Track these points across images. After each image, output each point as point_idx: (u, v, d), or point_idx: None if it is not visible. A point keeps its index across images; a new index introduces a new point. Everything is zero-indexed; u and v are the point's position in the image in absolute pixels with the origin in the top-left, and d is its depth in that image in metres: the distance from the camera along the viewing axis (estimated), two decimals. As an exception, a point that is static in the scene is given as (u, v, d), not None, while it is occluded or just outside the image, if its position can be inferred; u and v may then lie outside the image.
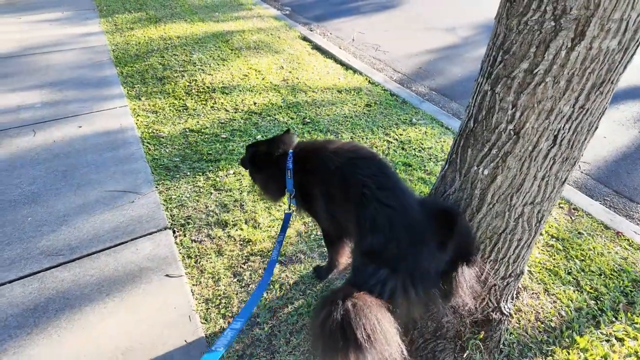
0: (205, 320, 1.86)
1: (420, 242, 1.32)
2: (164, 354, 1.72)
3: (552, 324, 1.86)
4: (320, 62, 4.86)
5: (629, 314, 1.92)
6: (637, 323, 1.88)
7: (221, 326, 1.84)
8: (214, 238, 2.32)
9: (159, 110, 3.61)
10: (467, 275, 1.38)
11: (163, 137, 3.23)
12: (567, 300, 1.97)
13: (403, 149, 3.21)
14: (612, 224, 2.49)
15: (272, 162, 1.73)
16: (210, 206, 2.56)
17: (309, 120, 3.59)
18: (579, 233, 2.42)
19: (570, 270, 2.14)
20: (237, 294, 1.99)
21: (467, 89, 4.53)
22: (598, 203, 2.76)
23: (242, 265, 2.14)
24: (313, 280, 2.05)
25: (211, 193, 2.67)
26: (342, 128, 3.51)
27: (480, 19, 6.41)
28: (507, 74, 1.28)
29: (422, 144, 3.28)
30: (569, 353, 1.75)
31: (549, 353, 1.75)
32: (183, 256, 2.19)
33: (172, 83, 4.09)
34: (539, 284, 2.05)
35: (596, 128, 1.34)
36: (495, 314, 1.72)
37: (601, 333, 1.83)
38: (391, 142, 3.29)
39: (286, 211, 1.76)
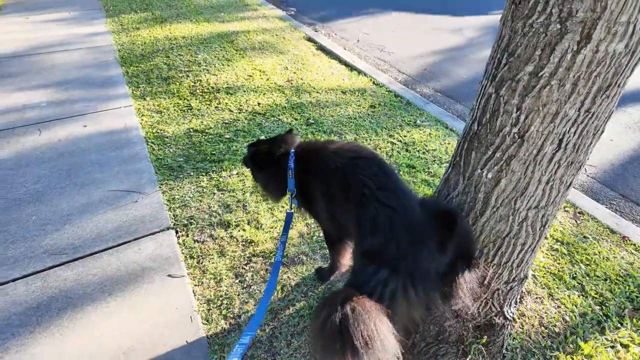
0: (207, 321, 1.86)
1: (420, 242, 1.31)
2: (165, 354, 1.72)
3: (556, 329, 1.84)
4: (325, 62, 4.85)
5: (634, 320, 1.89)
6: (642, 329, 1.86)
7: (222, 327, 1.84)
8: (216, 238, 2.32)
9: (164, 110, 3.62)
10: (467, 277, 1.37)
11: (167, 137, 3.24)
12: (572, 305, 1.95)
13: (407, 150, 3.20)
14: (618, 228, 2.46)
15: (273, 162, 1.73)
16: (213, 206, 2.56)
17: (312, 121, 3.58)
18: (585, 237, 2.40)
19: (575, 275, 2.11)
20: (238, 295, 1.99)
21: (472, 90, 4.50)
22: (604, 207, 2.72)
23: (244, 267, 2.14)
24: (315, 282, 2.05)
25: (214, 193, 2.67)
26: (346, 129, 3.50)
27: (486, 20, 6.38)
28: (511, 77, 1.26)
29: (426, 146, 3.26)
30: (572, 359, 1.73)
31: (553, 359, 1.73)
32: (185, 256, 2.19)
33: (177, 83, 4.10)
34: (543, 288, 2.03)
35: (602, 132, 1.32)
36: (499, 318, 1.70)
37: (606, 339, 1.81)
38: (395, 144, 3.28)
39: (288, 211, 1.75)
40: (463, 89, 4.56)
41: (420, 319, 1.47)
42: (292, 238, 2.31)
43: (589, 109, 1.22)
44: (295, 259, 2.18)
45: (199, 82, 4.14)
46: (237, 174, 2.85)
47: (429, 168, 2.96)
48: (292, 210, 1.75)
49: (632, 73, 1.21)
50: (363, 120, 3.64)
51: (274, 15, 6.37)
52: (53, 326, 1.82)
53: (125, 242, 2.25)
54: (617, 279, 2.11)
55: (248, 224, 2.42)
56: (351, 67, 4.76)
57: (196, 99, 3.84)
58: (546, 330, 1.83)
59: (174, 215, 2.48)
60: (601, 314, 1.92)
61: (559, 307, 1.94)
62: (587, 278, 2.11)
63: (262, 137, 3.31)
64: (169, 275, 2.07)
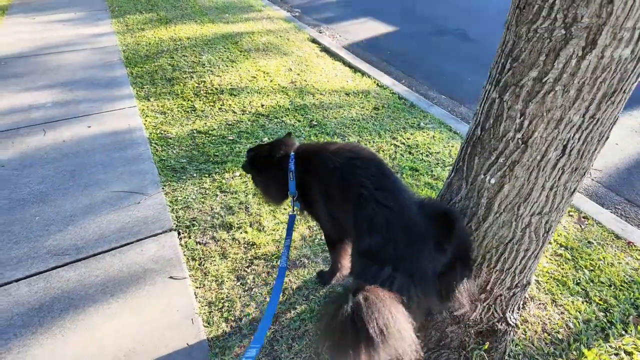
0: (208, 323, 1.86)
1: (419, 243, 1.31)
2: (166, 356, 1.72)
3: (560, 336, 1.82)
4: (329, 64, 4.85)
5: (639, 327, 1.87)
6: (647, 337, 1.84)
7: (223, 330, 1.84)
8: (218, 240, 2.32)
9: (167, 111, 3.63)
10: (464, 279, 1.37)
11: (171, 138, 3.25)
12: (576, 311, 1.93)
13: (410, 153, 3.19)
14: (624, 234, 2.43)
15: (273, 165, 1.73)
16: (216, 208, 2.56)
17: (316, 123, 3.58)
18: (589, 242, 2.38)
19: (579, 281, 2.09)
20: (240, 297, 1.98)
21: (476, 93, 4.47)
22: (609, 211, 2.70)
23: (246, 269, 2.14)
24: (316, 286, 2.04)
25: (217, 195, 2.67)
26: (349, 131, 3.49)
27: (491, 22, 6.34)
28: (515, 82, 1.25)
29: (430, 149, 3.25)
30: (576, 366, 1.71)
31: (556, 366, 1.72)
32: (187, 258, 2.19)
33: (181, 84, 4.11)
34: (547, 294, 2.01)
35: (607, 138, 1.31)
36: (501, 324, 1.69)
37: (610, 346, 1.79)
38: (398, 146, 3.27)
39: (290, 213, 1.75)
40: (468, 91, 4.54)
41: (419, 321, 1.46)
42: (294, 241, 2.30)
43: (593, 115, 1.21)
44: (297, 262, 2.18)
45: (202, 83, 4.15)
46: (239, 175, 2.85)
47: (432, 171, 2.95)
48: (295, 213, 1.74)
49: (639, 78, 1.20)
50: (366, 123, 3.63)
51: (278, 16, 6.37)
52: (55, 327, 1.82)
53: (128, 244, 2.26)
54: (621, 285, 2.09)
55: (250, 226, 2.42)
56: (355, 69, 4.75)
57: (200, 100, 3.85)
58: (549, 337, 1.82)
59: (176, 217, 2.48)
60: (605, 320, 1.90)
61: (562, 313, 1.92)
62: (591, 284, 2.09)
63: (266, 140, 3.31)
64: (171, 277, 2.07)
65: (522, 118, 1.27)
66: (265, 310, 1.37)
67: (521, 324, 1.85)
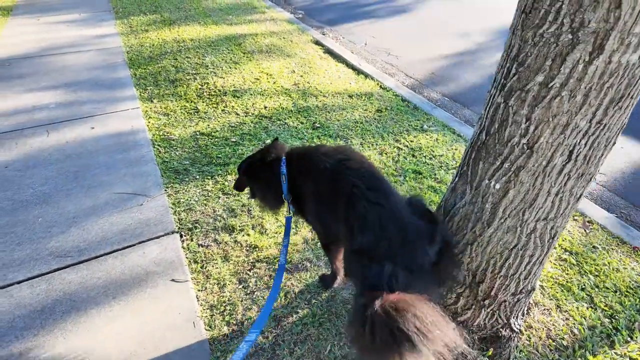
0: (210, 327, 1.85)
1: (413, 238, 1.33)
2: (167, 358, 1.71)
3: (564, 342, 1.80)
4: (332, 66, 4.84)
5: (645, 334, 1.85)
6: (653, 344, 1.82)
7: (225, 333, 1.83)
8: (220, 243, 2.31)
9: (171, 113, 3.63)
10: (449, 273, 1.44)
11: (174, 140, 3.25)
12: (580, 317, 1.91)
13: (413, 155, 3.17)
14: (629, 239, 2.41)
15: (266, 171, 1.74)
16: (218, 210, 2.55)
17: (319, 125, 3.57)
18: (594, 247, 2.35)
19: (583, 286, 2.07)
20: (241, 300, 1.98)
21: (480, 95, 4.47)
22: (614, 216, 2.68)
23: (248, 272, 2.13)
24: (319, 289, 2.03)
25: (219, 197, 2.67)
26: (352, 133, 3.48)
27: (494, 25, 6.32)
28: (521, 87, 1.24)
29: (433, 152, 3.23)
30: (581, 373, 1.69)
31: (560, 373, 1.70)
32: (189, 261, 2.19)
33: (184, 86, 4.12)
34: (551, 299, 1.99)
35: (614, 144, 1.29)
36: (505, 330, 1.67)
37: (615, 353, 1.77)
38: (401, 149, 3.26)
39: (286, 215, 1.75)
40: (471, 94, 4.52)
41: None
42: (295, 244, 2.30)
43: (600, 120, 1.20)
44: (299, 265, 2.17)
45: (206, 85, 4.15)
46: (242, 178, 2.85)
47: (435, 174, 2.94)
48: (291, 214, 1.74)
49: (646, 84, 1.19)
50: (369, 125, 3.62)
51: (282, 18, 6.38)
52: (57, 329, 1.82)
53: (130, 246, 2.26)
54: (627, 291, 2.07)
55: (252, 228, 2.41)
56: (358, 71, 4.74)
57: (203, 102, 3.85)
58: (554, 343, 1.80)
59: (178, 219, 2.48)
60: (611, 327, 1.88)
61: (567, 319, 1.90)
62: (597, 289, 2.07)
63: (269, 142, 3.30)
64: (173, 280, 2.06)
65: (527, 123, 1.26)
66: (265, 304, 1.39)
67: (525, 330, 1.83)
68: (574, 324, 1.88)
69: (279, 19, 6.33)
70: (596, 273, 2.17)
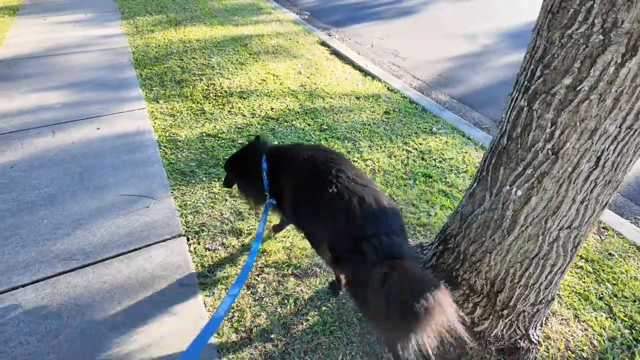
0: (218, 333, 1.81)
1: (395, 218, 1.41)
2: (174, 368, 1.67)
3: (584, 354, 1.75)
4: (339, 67, 4.80)
5: (666, 346, 1.79)
6: (675, 356, 1.75)
7: (233, 341, 1.78)
8: (228, 247, 2.27)
9: (177, 114, 3.60)
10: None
11: (180, 141, 3.21)
12: (600, 328, 1.85)
13: (423, 159, 3.12)
14: (646, 246, 2.35)
15: (249, 167, 1.83)
16: (225, 213, 2.51)
17: (326, 127, 3.53)
18: (610, 254, 2.29)
19: (601, 295, 2.02)
20: (250, 307, 1.93)
21: (489, 98, 4.41)
22: (629, 222, 2.61)
23: (256, 277, 2.08)
24: (329, 296, 1.98)
25: (226, 200, 2.62)
26: (360, 135, 3.43)
27: (502, 27, 6.27)
28: (546, 90, 1.19)
29: (443, 155, 3.18)
30: (601, 386, 1.63)
31: (580, 385, 1.64)
32: (197, 265, 2.15)
33: (191, 86, 4.08)
34: (569, 309, 1.93)
35: (643, 149, 1.24)
36: (523, 341, 1.62)
37: (636, 366, 1.71)
38: (410, 152, 3.21)
39: (268, 200, 1.76)
40: (480, 96, 4.47)
41: None
42: (304, 249, 2.24)
43: (631, 125, 1.14)
44: (309, 270, 2.12)
45: (212, 86, 4.12)
46: (249, 180, 2.80)
47: (446, 178, 2.88)
48: (270, 199, 1.77)
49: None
50: (377, 127, 3.57)
51: (288, 19, 6.34)
52: (62, 335, 1.78)
53: (136, 249, 2.22)
54: (646, 301, 2.01)
55: (260, 232, 2.37)
56: (365, 73, 4.70)
57: (209, 103, 3.81)
58: (573, 355, 1.74)
59: (185, 222, 2.44)
60: (631, 338, 1.82)
61: (586, 329, 1.84)
62: (615, 299, 2.01)
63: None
64: (180, 285, 2.02)
65: (553, 128, 1.21)
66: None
67: (543, 341, 1.77)
68: (593, 334, 1.82)
69: (284, 20, 6.30)
70: (614, 281, 2.11)
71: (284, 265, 2.14)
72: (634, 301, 1.99)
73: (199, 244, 2.29)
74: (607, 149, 1.19)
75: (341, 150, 3.20)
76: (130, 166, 2.90)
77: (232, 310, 1.92)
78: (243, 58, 4.81)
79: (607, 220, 2.56)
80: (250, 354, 1.73)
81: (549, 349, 1.75)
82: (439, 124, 3.67)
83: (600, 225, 2.51)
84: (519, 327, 1.59)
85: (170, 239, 2.30)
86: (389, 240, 1.31)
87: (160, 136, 3.26)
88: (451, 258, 1.62)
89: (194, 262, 2.17)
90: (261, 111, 3.74)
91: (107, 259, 2.16)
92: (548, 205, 1.31)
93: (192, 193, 2.67)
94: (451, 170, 2.99)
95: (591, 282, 2.09)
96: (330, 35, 5.96)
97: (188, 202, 2.60)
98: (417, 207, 2.56)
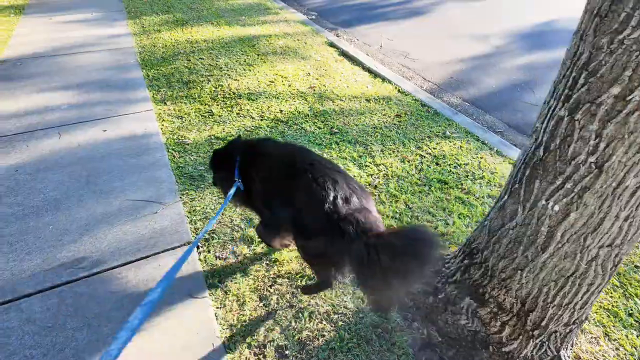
0: (230, 349, 1.73)
1: (367, 198, 1.54)
2: (185, 385, 1.60)
3: (615, 375, 1.66)
4: (348, 69, 4.72)
5: (701, 367, 1.70)
6: None
7: (246, 357, 1.71)
8: (239, 256, 2.19)
9: (185, 116, 3.53)
10: None
11: (188, 144, 3.14)
12: (631, 347, 1.76)
13: (437, 164, 3.04)
14: (673, 258, 2.25)
15: (226, 162, 1.90)
16: (235, 220, 2.44)
17: (337, 130, 3.45)
18: (636, 267, 2.20)
19: (631, 311, 1.92)
20: (263, 320, 1.85)
21: (502, 100, 4.32)
22: (653, 232, 2.51)
23: (269, 288, 2.00)
24: (346, 310, 1.90)
25: (236, 206, 2.55)
26: (372, 139, 3.35)
27: (512, 28, 6.17)
28: (591, 99, 1.10)
29: (458, 160, 3.09)
30: (635, 411, 1.55)
31: (612, 409, 1.55)
32: (207, 275, 2.07)
33: (198, 88, 4.01)
34: (598, 326, 1.84)
35: (695, 164, 1.15)
36: (553, 362, 1.53)
37: (671, 388, 1.62)
38: (424, 157, 3.12)
39: (237, 183, 1.80)
40: (493, 99, 4.38)
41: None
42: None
43: (684, 138, 1.06)
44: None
45: (220, 87, 4.05)
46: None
47: (462, 184, 2.80)
48: (239, 182, 1.80)
49: None
50: (389, 131, 3.49)
51: (296, 19, 6.27)
52: (68, 349, 1.71)
53: (145, 257, 2.15)
54: (677, 317, 1.91)
55: (272, 240, 2.29)
56: (375, 74, 4.61)
57: (217, 105, 3.74)
58: (604, 376, 1.66)
59: (194, 229, 2.36)
60: (664, 358, 1.73)
61: (617, 349, 1.75)
62: (644, 315, 1.92)
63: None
64: (190, 296, 1.95)
65: (597, 140, 1.12)
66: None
67: (572, 361, 1.69)
68: (625, 354, 1.73)
69: (292, 20, 6.22)
70: (642, 296, 2.01)
71: (297, 276, 2.06)
72: (665, 318, 1.90)
73: (208, 252, 2.22)
74: (657, 163, 1.10)
75: (353, 155, 3.12)
76: (137, 170, 2.83)
77: (245, 324, 1.84)
78: (251, 59, 4.74)
79: (631, 230, 2.46)
80: (264, 370, 1.66)
81: (579, 370, 1.67)
82: (452, 127, 3.58)
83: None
84: (549, 348, 1.50)
85: (179, 247, 2.23)
86: (365, 217, 1.41)
87: (168, 139, 3.19)
88: (478, 274, 1.54)
89: (204, 271, 2.09)
90: (270, 113, 3.67)
91: (114, 267, 2.09)
92: (588, 222, 1.23)
93: (201, 198, 2.60)
94: (467, 176, 2.90)
95: (619, 297, 2.00)
96: (338, 36, 5.88)
97: (197, 208, 2.53)
98: (434, 215, 2.48)
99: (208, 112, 3.61)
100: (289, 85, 4.19)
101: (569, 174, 1.20)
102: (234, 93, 3.96)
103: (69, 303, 1.90)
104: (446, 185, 2.77)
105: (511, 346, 1.50)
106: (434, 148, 3.24)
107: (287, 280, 2.05)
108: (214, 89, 4.02)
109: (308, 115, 3.69)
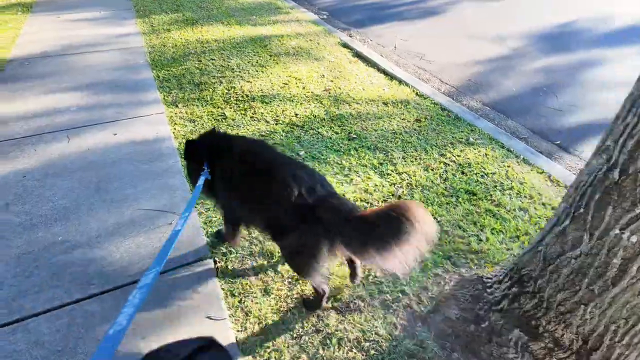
0: (253, 378, 1.60)
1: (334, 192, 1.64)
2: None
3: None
4: (363, 71, 4.58)
5: None
6: None
7: (271, 387, 1.58)
8: (259, 272, 2.06)
9: (197, 119, 3.40)
10: None
11: (201, 150, 3.01)
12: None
13: (463, 173, 2.89)
14: None
15: (196, 154, 1.91)
16: (254, 232, 2.31)
17: (355, 136, 3.31)
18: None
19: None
20: (287, 346, 1.72)
21: (523, 105, 4.16)
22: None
23: (292, 309, 1.87)
24: (378, 337, 1.76)
25: (254, 217, 2.41)
26: (392, 145, 3.21)
27: (529, 29, 5.98)
28: (685, 118, 0.96)
29: (484, 168, 2.94)
30: None
31: None
32: (226, 294, 1.94)
33: (210, 90, 3.89)
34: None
35: None
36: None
37: None
38: (449, 165, 2.97)
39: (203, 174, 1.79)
40: (514, 103, 4.21)
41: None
42: (344, 277, 2.02)
43: None
44: (351, 304, 1.90)
45: (232, 89, 3.92)
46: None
47: (491, 195, 2.65)
48: (207, 172, 1.81)
49: None
50: (410, 136, 3.34)
51: (307, 19, 6.13)
52: (79, 377, 1.59)
53: (160, 273, 2.01)
54: None
55: (293, 255, 2.15)
56: (391, 76, 4.46)
57: (230, 108, 3.61)
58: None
59: (211, 242, 2.23)
60: None
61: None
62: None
63: (302, 154, 3.05)
64: (208, 317, 1.82)
65: (690, 164, 0.97)
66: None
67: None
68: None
69: (304, 19, 6.08)
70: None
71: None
72: None
73: (227, 267, 2.09)
74: None
75: (373, 162, 2.98)
76: (149, 177, 2.71)
77: (269, 350, 1.71)
78: (263, 60, 4.61)
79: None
80: (291, 403, 1.53)
81: (639, 411, 1.52)
82: (475, 133, 3.43)
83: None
84: (611, 388, 1.36)
85: (195, 261, 2.10)
86: (333, 200, 1.53)
87: (180, 144, 3.06)
88: (530, 304, 1.40)
89: (222, 289, 1.96)
90: (285, 117, 3.53)
91: (127, 284, 1.96)
92: (671, 256, 1.08)
93: (217, 208, 2.46)
94: (495, 186, 2.75)
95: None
96: (351, 36, 5.74)
97: (213, 219, 2.40)
98: (465, 230, 2.34)
99: (221, 116, 3.48)
100: (303, 88, 4.05)
101: (652, 201, 1.05)
102: (247, 95, 3.83)
103: (80, 323, 1.78)
104: (474, 197, 2.63)
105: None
106: (458, 155, 3.09)
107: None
108: (226, 91, 3.89)
109: (324, 119, 3.55)
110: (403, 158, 3.06)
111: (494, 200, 2.60)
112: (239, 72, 4.28)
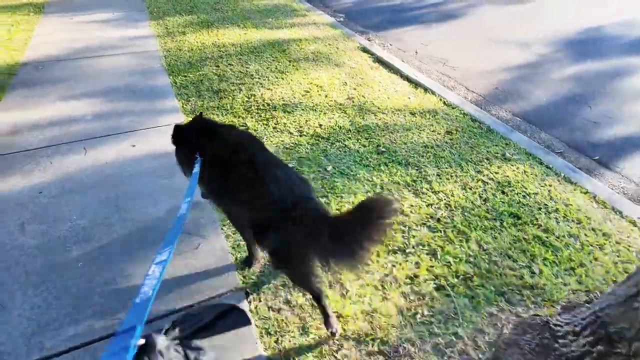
0: None
1: (309, 187, 1.65)
2: None
3: None
4: (385, 77, 4.40)
5: None
6: None
7: None
8: (294, 307, 1.90)
9: (218, 130, 3.24)
10: None
11: (224, 164, 2.85)
12: None
13: (503, 192, 2.71)
14: None
15: (186, 140, 1.91)
16: (285, 259, 2.14)
17: (384, 149, 3.14)
18: None
19: None
20: (334, 397, 1.56)
21: (556, 116, 3.96)
22: None
23: (335, 354, 1.71)
24: (432, 387, 1.60)
25: (284, 241, 2.25)
26: (424, 160, 3.03)
27: (556, 34, 5.77)
28: None
29: (525, 188, 2.76)
30: None
31: None
32: (261, 332, 1.78)
33: (230, 97, 3.73)
34: None
35: None
36: None
37: None
38: (487, 183, 2.80)
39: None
40: (544, 115, 4.02)
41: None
42: (390, 316, 1.85)
43: None
44: (400, 348, 1.72)
45: (252, 97, 3.76)
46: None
47: (537, 219, 2.47)
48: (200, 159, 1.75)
49: None
50: (442, 150, 3.17)
51: (324, 22, 5.95)
52: None
53: (188, 307, 1.86)
54: None
55: (330, 287, 1.99)
56: (415, 84, 4.29)
57: (252, 118, 3.45)
58: None
59: (241, 270, 2.07)
60: None
61: None
62: None
63: (330, 169, 2.88)
64: (244, 360, 1.66)
65: None
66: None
67: None
68: None
69: (321, 23, 5.91)
70: None
71: (367, 339, 1.75)
72: None
73: (260, 300, 1.93)
74: None
75: (406, 179, 2.81)
76: (171, 193, 2.55)
77: (313, 402, 1.55)
78: (282, 66, 4.44)
79: None
80: None
81: None
82: (510, 147, 3.25)
83: None
84: None
85: (226, 293, 1.94)
86: (310, 203, 1.54)
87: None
88: (622, 367, 1.23)
89: (257, 327, 1.80)
90: (309, 128, 3.37)
91: (153, 320, 1.80)
92: None
93: (244, 231, 2.31)
94: (539, 208, 2.57)
95: None
96: (370, 40, 5.56)
97: (241, 242, 2.24)
98: (515, 261, 2.16)
99: (243, 126, 3.33)
100: (326, 96, 3.88)
101: None
102: (268, 104, 3.67)
103: (104, 365, 1.62)
104: (519, 221, 2.45)
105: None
106: (496, 173, 2.91)
107: (354, 344, 1.74)
108: (246, 99, 3.73)
109: (350, 130, 3.39)
110: (438, 175, 2.88)
111: (541, 225, 2.42)
112: (259, 78, 4.12)
